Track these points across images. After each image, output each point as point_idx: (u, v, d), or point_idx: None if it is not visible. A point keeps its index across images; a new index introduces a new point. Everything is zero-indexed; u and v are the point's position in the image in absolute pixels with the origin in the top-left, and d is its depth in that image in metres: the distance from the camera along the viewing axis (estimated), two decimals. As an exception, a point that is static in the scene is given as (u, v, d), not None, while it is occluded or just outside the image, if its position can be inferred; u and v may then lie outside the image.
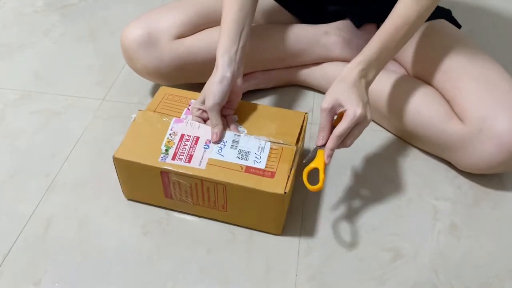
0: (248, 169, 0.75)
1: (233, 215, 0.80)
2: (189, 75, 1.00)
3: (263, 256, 0.78)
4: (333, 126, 0.73)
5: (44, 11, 1.38)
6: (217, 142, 0.79)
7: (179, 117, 0.83)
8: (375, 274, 0.76)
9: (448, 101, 0.88)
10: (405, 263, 0.78)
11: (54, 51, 1.23)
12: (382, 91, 0.94)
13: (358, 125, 0.73)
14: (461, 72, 0.87)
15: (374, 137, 0.98)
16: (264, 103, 1.06)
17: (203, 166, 0.76)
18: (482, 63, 0.87)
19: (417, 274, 0.76)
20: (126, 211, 0.85)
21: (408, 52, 0.98)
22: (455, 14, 1.03)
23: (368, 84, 0.77)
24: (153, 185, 0.79)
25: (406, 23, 0.76)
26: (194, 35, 0.98)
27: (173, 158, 0.77)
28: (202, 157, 0.77)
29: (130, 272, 0.76)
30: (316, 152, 0.74)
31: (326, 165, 0.72)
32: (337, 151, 0.74)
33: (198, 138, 0.80)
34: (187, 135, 0.80)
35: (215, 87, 0.79)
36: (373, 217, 0.84)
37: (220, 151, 0.78)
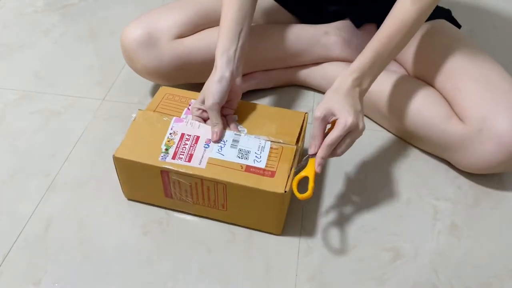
0: (248, 169, 0.75)
1: (233, 215, 0.80)
2: (189, 75, 1.00)
3: (263, 256, 0.78)
4: (326, 135, 0.73)
5: (44, 11, 1.38)
6: (217, 141, 0.79)
7: (179, 117, 0.83)
8: (375, 274, 0.76)
9: (448, 101, 0.88)
10: (405, 263, 0.78)
11: (54, 51, 1.23)
12: (382, 91, 0.94)
13: (350, 134, 0.72)
14: (461, 72, 0.87)
15: (374, 137, 0.98)
16: (264, 103, 1.06)
17: (203, 165, 0.76)
18: (482, 63, 0.87)
19: (417, 274, 0.76)
20: (126, 211, 0.85)
21: (408, 52, 0.98)
22: (455, 14, 1.03)
23: (362, 92, 0.77)
24: (153, 185, 0.79)
25: (401, 29, 0.76)
26: (194, 35, 0.98)
27: (173, 157, 0.77)
28: (202, 156, 0.77)
29: (130, 272, 0.76)
30: (308, 160, 0.74)
31: (316, 174, 0.72)
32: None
33: (198, 137, 0.80)
34: (187, 135, 0.80)
35: (214, 86, 0.79)
36: (373, 217, 0.84)
37: (220, 150, 0.78)
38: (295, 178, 0.73)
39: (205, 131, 0.80)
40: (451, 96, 0.87)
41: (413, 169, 0.92)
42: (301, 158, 0.81)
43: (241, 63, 0.83)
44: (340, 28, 1.03)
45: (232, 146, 0.78)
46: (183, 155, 0.77)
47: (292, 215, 0.84)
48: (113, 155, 0.78)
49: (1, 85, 1.12)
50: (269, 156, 0.77)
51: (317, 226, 0.83)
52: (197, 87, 0.84)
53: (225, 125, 0.81)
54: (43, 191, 0.88)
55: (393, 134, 0.99)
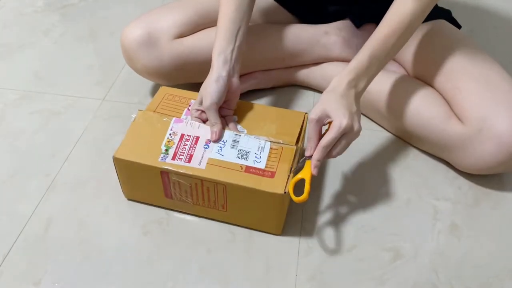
0: (248, 169, 0.75)
1: (233, 215, 0.80)
2: (189, 75, 1.00)
3: (263, 256, 0.78)
4: (322, 137, 0.73)
5: (44, 11, 1.38)
6: (217, 141, 0.79)
7: (179, 117, 0.83)
8: (375, 274, 0.76)
9: (447, 101, 0.88)
10: (405, 263, 0.78)
11: (54, 51, 1.23)
12: (382, 91, 0.94)
13: (345, 136, 0.72)
14: (461, 72, 0.87)
15: (374, 137, 0.98)
16: (264, 103, 1.06)
17: (203, 166, 0.76)
18: (482, 63, 0.87)
19: (417, 274, 0.76)
20: (126, 211, 0.85)
21: (408, 53, 0.98)
22: (455, 14, 1.03)
23: (358, 94, 0.76)
24: (153, 185, 0.79)
25: (398, 29, 0.76)
26: (194, 34, 0.98)
27: (173, 158, 0.77)
28: (202, 157, 0.77)
29: (130, 272, 0.76)
30: (305, 162, 0.74)
31: (313, 176, 0.72)
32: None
33: (198, 138, 0.80)
34: (187, 135, 0.80)
35: (211, 86, 0.79)
36: (373, 217, 0.84)
37: (220, 150, 0.78)
38: (291, 180, 0.73)
39: (205, 131, 0.80)
40: (450, 96, 0.87)
41: (412, 169, 0.92)
42: (301, 158, 0.81)
43: (238, 63, 0.83)
44: (340, 28, 1.03)
45: (232, 146, 0.78)
46: (183, 155, 0.77)
47: (292, 216, 0.84)
48: (113, 156, 0.78)
49: (1, 85, 1.12)
50: (269, 156, 0.77)
51: (317, 226, 0.83)
52: (197, 87, 0.84)
53: (225, 125, 0.81)
54: (43, 191, 0.88)
55: (393, 134, 0.99)
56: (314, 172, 0.72)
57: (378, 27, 0.77)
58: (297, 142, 0.80)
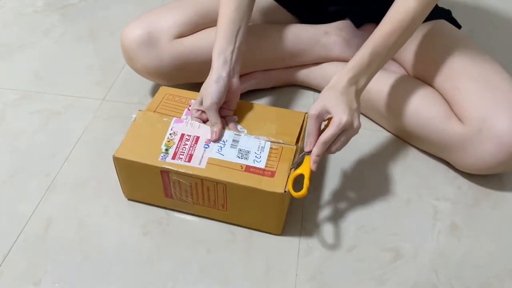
0: (248, 169, 0.75)
1: (233, 215, 0.80)
2: (189, 75, 1.00)
3: (263, 256, 0.78)
4: (322, 132, 0.73)
5: (44, 11, 1.38)
6: (217, 140, 0.79)
7: (180, 117, 0.83)
8: (375, 274, 0.76)
9: (447, 101, 0.88)
10: (405, 263, 0.78)
11: (54, 51, 1.23)
12: (381, 91, 0.94)
13: (345, 132, 0.73)
14: (461, 72, 0.87)
15: (374, 137, 0.98)
16: (264, 102, 1.06)
17: (203, 165, 0.76)
18: (482, 63, 0.87)
19: (417, 274, 0.76)
20: (126, 211, 0.85)
21: (408, 52, 0.98)
22: (455, 14, 1.03)
23: (359, 91, 0.76)
24: (153, 185, 0.79)
25: (399, 27, 0.76)
26: (194, 34, 0.98)
27: (173, 158, 0.77)
28: (202, 157, 0.77)
29: (130, 272, 0.76)
30: (304, 157, 0.74)
31: (312, 172, 0.72)
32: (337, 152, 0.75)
33: (198, 137, 0.80)
34: (187, 135, 0.80)
35: (211, 87, 0.79)
36: (373, 217, 0.84)
37: (220, 150, 0.78)
38: (291, 175, 0.73)
39: (205, 131, 0.80)
40: (450, 96, 0.87)
41: (412, 169, 0.92)
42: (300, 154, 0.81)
43: (238, 63, 0.83)
44: (340, 28, 1.03)
45: (232, 146, 0.78)
46: (183, 155, 0.77)
47: (292, 215, 0.84)
48: (113, 155, 0.78)
49: (1, 85, 1.12)
50: (269, 156, 0.77)
51: (317, 226, 0.83)
52: (197, 87, 0.84)
53: (225, 125, 0.81)
54: (43, 191, 0.88)
55: (393, 134, 0.99)
56: (313, 167, 0.72)
57: (380, 25, 0.77)
58: (297, 142, 0.80)
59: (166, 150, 0.78)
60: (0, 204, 0.86)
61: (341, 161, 0.92)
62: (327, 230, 0.82)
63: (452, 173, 0.91)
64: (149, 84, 1.10)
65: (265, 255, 0.78)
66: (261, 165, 0.76)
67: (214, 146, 0.78)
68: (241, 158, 0.77)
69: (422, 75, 0.95)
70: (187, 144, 0.79)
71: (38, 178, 0.90)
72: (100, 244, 0.80)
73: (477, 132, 0.81)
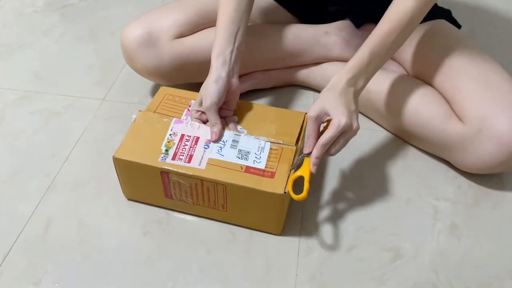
0: (248, 169, 0.75)
1: (233, 215, 0.80)
2: (189, 75, 1.00)
3: (263, 256, 0.78)
4: (321, 134, 0.73)
5: (44, 11, 1.38)
6: (217, 141, 0.79)
7: (180, 118, 0.83)
8: (375, 274, 0.76)
9: (447, 101, 0.88)
10: (405, 263, 0.78)
11: (54, 51, 1.23)
12: (381, 91, 0.94)
13: (344, 134, 0.73)
14: (461, 72, 0.87)
15: (374, 137, 0.98)
16: (264, 102, 1.06)
17: (203, 166, 0.76)
18: (482, 63, 0.87)
19: (417, 274, 0.76)
20: (126, 211, 0.85)
21: (408, 52, 0.98)
22: (455, 14, 1.03)
23: (357, 92, 0.76)
24: (153, 185, 0.79)
25: (397, 27, 0.76)
26: (194, 34, 0.98)
27: (173, 158, 0.77)
28: (202, 157, 0.77)
29: (130, 272, 0.76)
30: (303, 159, 0.74)
31: (311, 174, 0.72)
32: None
33: (198, 138, 0.80)
34: (187, 135, 0.80)
35: (211, 87, 0.79)
36: (373, 217, 0.84)
37: (220, 150, 0.78)
38: (290, 177, 0.73)
39: (205, 132, 0.80)
40: (450, 96, 0.87)
41: (412, 169, 0.92)
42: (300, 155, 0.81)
43: (238, 63, 0.83)
44: (340, 28, 1.03)
45: (232, 146, 0.78)
46: (183, 156, 0.77)
47: (292, 215, 0.84)
48: (113, 156, 0.78)
49: (1, 85, 1.12)
50: (269, 156, 0.77)
51: (317, 226, 0.83)
52: (197, 87, 0.84)
53: (224, 126, 0.81)
54: (43, 191, 0.88)
55: (392, 133, 0.99)
56: (313, 170, 0.72)
57: (378, 25, 0.77)
58: (297, 142, 0.80)
59: (166, 150, 0.78)
60: (0, 204, 0.86)
61: (341, 161, 0.92)
62: (327, 230, 0.82)
63: (452, 172, 0.91)
64: (149, 84, 1.10)
65: (265, 255, 0.78)
66: (261, 165, 0.76)
67: (214, 147, 0.78)
68: (241, 159, 0.77)
69: (422, 74, 0.95)
70: (187, 145, 0.79)
71: (38, 178, 0.90)
72: (100, 244, 0.80)
73: (477, 132, 0.81)
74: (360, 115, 1.02)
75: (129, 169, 0.79)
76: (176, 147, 0.78)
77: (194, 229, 0.82)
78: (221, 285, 0.75)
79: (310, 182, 0.72)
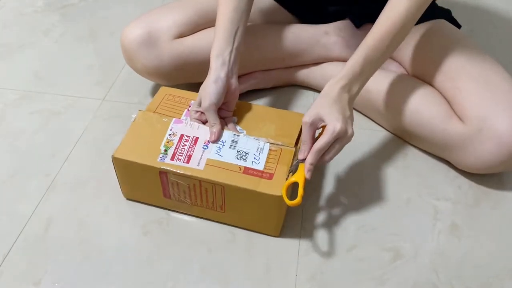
0: (247, 170, 0.75)
1: (231, 216, 0.80)
2: (189, 75, 1.00)
3: (263, 256, 0.78)
4: (316, 140, 0.73)
5: (44, 11, 1.38)
6: (215, 141, 0.79)
7: (179, 118, 0.83)
8: (375, 274, 0.76)
9: (447, 101, 0.88)
10: (405, 263, 0.78)
11: (54, 51, 1.23)
12: (381, 90, 0.94)
13: (339, 140, 0.72)
14: (461, 72, 0.87)
15: (374, 137, 0.98)
16: (264, 103, 1.06)
17: (202, 166, 0.76)
18: (482, 63, 0.87)
19: (417, 274, 0.76)
20: (126, 211, 0.85)
21: (407, 52, 0.98)
22: (455, 14, 1.03)
23: (352, 98, 0.76)
24: (152, 185, 0.79)
25: (391, 33, 0.75)
26: (194, 34, 0.98)
27: (172, 159, 0.77)
28: (201, 158, 0.77)
29: (130, 272, 0.76)
30: (298, 165, 0.74)
31: (306, 179, 0.72)
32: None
33: (197, 138, 0.80)
34: (187, 136, 0.80)
35: (210, 87, 0.79)
36: (373, 217, 0.84)
37: (218, 151, 0.78)
38: (285, 183, 0.73)
39: (204, 132, 0.80)
40: (450, 95, 0.87)
41: (412, 169, 0.92)
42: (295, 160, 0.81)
43: (237, 64, 0.83)
44: (340, 28, 1.03)
45: (231, 147, 0.78)
46: (181, 156, 0.77)
47: (292, 215, 0.84)
48: (112, 156, 0.78)
49: (1, 85, 1.12)
50: (267, 158, 0.77)
51: (317, 226, 0.83)
52: (197, 87, 0.84)
53: (224, 126, 0.81)
54: (43, 191, 0.88)
55: (392, 133, 0.99)
56: (308, 176, 0.72)
57: (372, 30, 0.77)
58: (296, 143, 0.80)
59: (165, 150, 0.78)
60: (0, 204, 0.86)
61: (341, 161, 0.92)
62: (327, 230, 0.82)
63: (452, 172, 0.91)
64: (149, 84, 1.10)
65: (265, 255, 0.78)
66: (260, 167, 0.76)
67: (213, 147, 0.78)
68: (240, 160, 0.77)
69: (422, 74, 0.95)
70: (186, 145, 0.79)
71: (38, 178, 0.90)
72: (100, 244, 0.80)
73: (477, 132, 0.81)
74: (360, 115, 1.02)
75: (128, 169, 0.79)
76: (175, 147, 0.78)
77: (194, 229, 0.82)
78: (222, 285, 0.75)
79: (307, 180, 0.72)
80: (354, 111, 0.77)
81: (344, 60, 1.03)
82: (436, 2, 1.02)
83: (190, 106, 0.86)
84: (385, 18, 0.76)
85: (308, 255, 0.79)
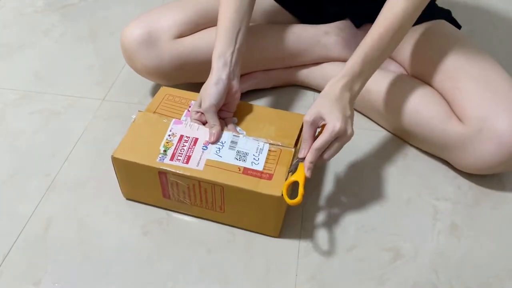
0: (246, 171, 0.75)
1: (231, 217, 0.80)
2: (189, 75, 1.00)
3: (263, 256, 0.78)
4: (316, 139, 0.73)
5: (44, 11, 1.38)
6: (215, 142, 0.79)
7: (179, 119, 0.83)
8: (375, 274, 0.76)
9: (447, 101, 0.88)
10: (405, 263, 0.78)
11: (54, 51, 1.23)
12: (381, 91, 0.94)
13: (338, 139, 0.73)
14: (461, 72, 0.87)
15: (373, 137, 0.98)
16: (264, 103, 1.06)
17: (201, 167, 0.76)
18: (482, 63, 0.87)
19: (417, 274, 0.76)
20: (126, 211, 0.85)
21: (407, 52, 0.98)
22: (455, 14, 1.03)
23: (353, 97, 0.76)
24: (151, 185, 0.79)
25: (390, 29, 0.75)
26: (194, 34, 0.98)
27: (171, 159, 0.77)
28: (200, 158, 0.77)
29: (130, 272, 0.76)
30: (298, 164, 0.74)
31: (306, 178, 0.72)
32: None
33: (197, 139, 0.80)
34: (186, 136, 0.80)
35: (211, 89, 0.79)
36: (373, 217, 0.84)
37: (218, 151, 0.78)
38: (285, 182, 0.73)
39: (204, 133, 0.80)
40: (450, 96, 0.87)
41: (412, 169, 0.92)
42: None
43: (238, 65, 0.83)
44: (340, 28, 1.03)
45: (231, 147, 0.78)
46: (181, 156, 0.77)
47: (292, 215, 0.84)
48: (112, 156, 0.78)
49: (1, 85, 1.12)
50: (267, 158, 0.77)
51: (317, 226, 0.83)
52: (197, 87, 0.84)
53: (224, 127, 0.81)
54: (43, 191, 0.88)
55: (392, 133, 0.99)
56: (308, 174, 0.72)
57: (371, 30, 0.77)
58: (295, 144, 0.80)
59: (165, 151, 0.78)
60: (0, 204, 0.86)
61: (340, 161, 0.92)
62: (327, 230, 0.82)
63: (452, 173, 0.91)
64: (149, 84, 1.10)
65: (265, 255, 0.78)
66: (259, 167, 0.76)
67: (212, 148, 0.78)
68: (239, 160, 0.77)
69: (422, 74, 0.95)
70: (185, 146, 0.79)
71: (38, 178, 0.90)
72: (100, 244, 0.80)
73: (477, 132, 0.81)
74: (360, 115, 1.02)
75: (128, 169, 0.79)
76: (175, 148, 0.78)
77: (194, 229, 0.82)
78: (221, 285, 0.75)
79: (308, 179, 0.72)
80: (354, 111, 0.77)
81: (344, 60, 1.03)
82: (436, 2, 1.02)
83: (190, 107, 0.86)
84: (383, 18, 0.77)
85: (308, 255, 0.79)
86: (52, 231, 0.82)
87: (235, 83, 0.82)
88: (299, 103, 1.07)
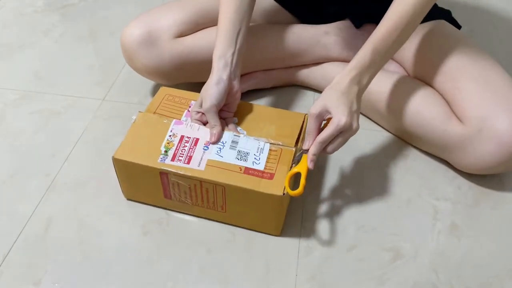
0: (247, 170, 0.75)
1: (232, 216, 0.80)
2: (189, 74, 1.00)
3: (263, 256, 0.78)
4: (321, 131, 0.74)
5: (44, 11, 1.38)
6: (216, 142, 0.79)
7: (179, 119, 0.83)
8: (375, 274, 0.76)
9: (448, 102, 0.88)
10: (405, 263, 0.78)
11: (54, 51, 1.23)
12: (381, 91, 0.94)
13: (343, 133, 0.73)
14: (461, 73, 0.87)
15: (374, 138, 0.98)
16: (264, 102, 1.06)
17: (202, 167, 0.76)
18: (482, 64, 0.87)
19: (417, 274, 0.76)
20: (126, 211, 0.85)
21: (408, 53, 0.98)
22: (455, 14, 1.03)
23: (361, 90, 0.76)
24: (152, 186, 0.79)
25: (399, 25, 0.76)
26: (194, 34, 0.98)
27: (173, 159, 0.77)
28: (201, 158, 0.77)
29: (130, 272, 0.76)
30: (301, 156, 0.74)
31: (309, 170, 0.72)
32: (337, 151, 0.75)
33: (197, 139, 0.80)
34: (187, 137, 0.80)
35: (212, 89, 0.79)
36: (373, 217, 0.84)
37: (219, 151, 0.78)
38: (288, 173, 0.73)
39: (205, 133, 0.80)
40: (450, 96, 0.87)
41: (412, 169, 0.92)
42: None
43: (239, 65, 0.83)
44: (340, 28, 1.03)
45: (231, 147, 0.78)
46: (182, 157, 0.77)
47: (292, 215, 0.84)
48: (113, 156, 0.78)
49: (1, 85, 1.12)
50: (268, 158, 0.77)
51: (317, 226, 0.83)
52: (197, 86, 0.84)
53: (224, 127, 0.81)
54: (43, 191, 0.88)
55: (393, 134, 0.99)
56: (311, 166, 0.72)
57: (380, 24, 0.77)
58: (296, 143, 0.80)
59: (166, 151, 0.78)
60: (0, 204, 0.86)
61: (341, 161, 0.92)
62: (327, 230, 0.82)
63: (452, 173, 0.91)
64: (149, 84, 1.10)
65: (265, 255, 0.78)
66: (260, 167, 0.76)
67: (213, 148, 0.78)
68: (240, 160, 0.77)
69: (422, 75, 0.95)
70: (186, 146, 0.79)
71: (38, 178, 0.90)
72: (100, 244, 0.80)
73: (477, 132, 0.81)
74: (360, 116, 1.02)
75: (129, 170, 0.79)
76: (176, 148, 0.78)
77: (194, 229, 0.82)
78: (221, 285, 0.75)
79: (307, 179, 0.72)
80: (360, 105, 0.77)
81: (344, 60, 1.04)
82: (436, 2, 1.02)
83: (190, 107, 0.86)
84: (393, 12, 0.77)
85: (308, 255, 0.79)
86: (52, 231, 0.82)
87: (236, 83, 0.82)
88: (299, 103, 1.07)
